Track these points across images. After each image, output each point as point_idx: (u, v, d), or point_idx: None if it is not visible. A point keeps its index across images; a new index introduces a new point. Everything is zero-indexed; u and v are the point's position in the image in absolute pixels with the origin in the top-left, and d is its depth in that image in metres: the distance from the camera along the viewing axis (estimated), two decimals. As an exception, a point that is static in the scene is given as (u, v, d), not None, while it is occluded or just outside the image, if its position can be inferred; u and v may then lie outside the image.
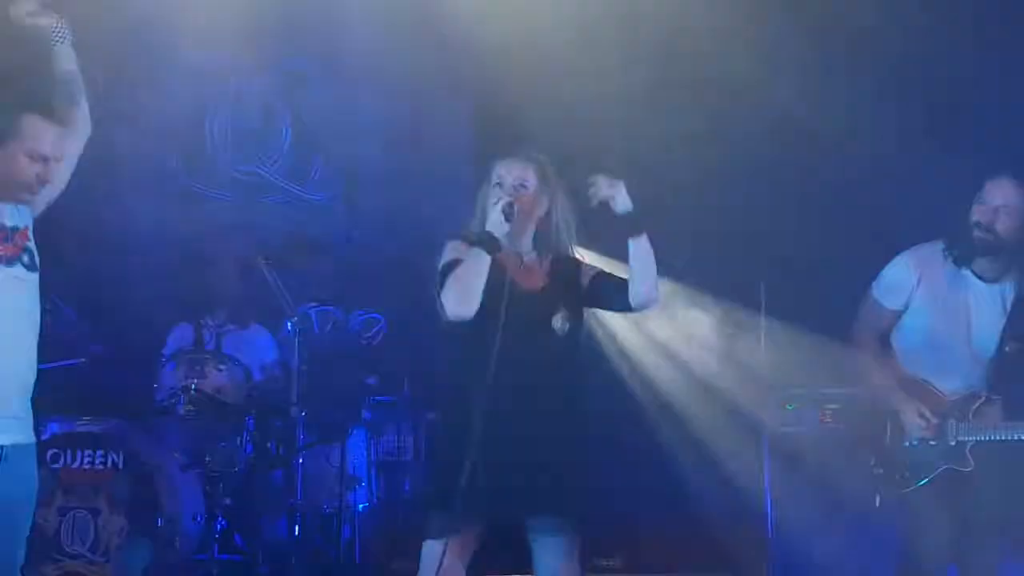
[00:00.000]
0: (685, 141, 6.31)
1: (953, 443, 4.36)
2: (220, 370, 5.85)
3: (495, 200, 3.80)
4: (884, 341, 4.57)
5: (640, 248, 3.80)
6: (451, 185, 6.46)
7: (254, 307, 6.32)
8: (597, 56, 6.33)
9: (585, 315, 3.95)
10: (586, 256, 4.04)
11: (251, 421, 5.78)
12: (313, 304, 6.47)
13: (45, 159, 3.25)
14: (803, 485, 5.33)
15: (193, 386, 5.73)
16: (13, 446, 3.31)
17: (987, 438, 4.32)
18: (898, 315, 4.53)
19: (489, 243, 3.71)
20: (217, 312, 6.35)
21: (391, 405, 6.27)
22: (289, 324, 6.00)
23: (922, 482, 4.38)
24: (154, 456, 5.58)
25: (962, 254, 4.42)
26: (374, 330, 6.68)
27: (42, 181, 3.26)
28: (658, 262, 3.84)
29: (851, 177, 6.17)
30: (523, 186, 3.86)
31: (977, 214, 4.38)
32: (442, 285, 3.72)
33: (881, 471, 4.46)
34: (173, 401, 5.72)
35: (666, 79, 6.36)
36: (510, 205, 3.76)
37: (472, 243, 3.75)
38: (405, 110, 7.25)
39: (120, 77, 6.71)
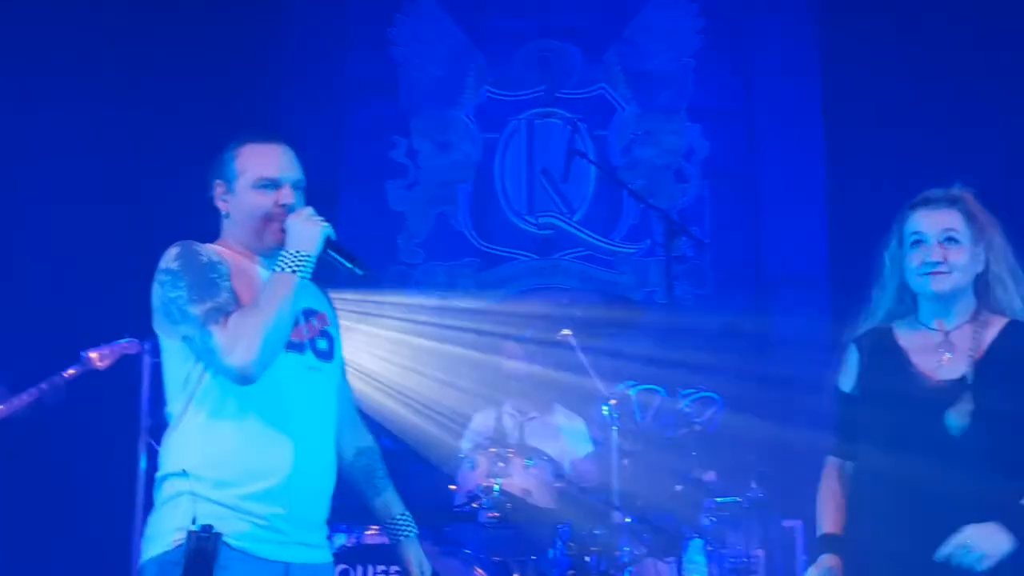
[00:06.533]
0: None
1: None
2: (527, 467, 5.22)
3: (917, 263, 3.11)
4: None
5: None
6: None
7: (555, 387, 5.76)
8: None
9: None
10: None
11: (566, 529, 5.13)
12: (631, 382, 5.78)
13: (275, 183, 3.04)
14: None
15: (497, 487, 5.08)
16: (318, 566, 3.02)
17: None
18: None
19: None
20: (517, 395, 5.82)
21: (736, 508, 5.46)
22: (604, 408, 5.27)
23: None
24: (455, 573, 4.96)
25: None
26: (709, 413, 5.91)
27: (282, 206, 3.01)
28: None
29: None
30: (952, 239, 3.13)
31: None
32: None
33: None
34: (474, 505, 5.10)
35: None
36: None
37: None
38: (735, 134, 6.68)
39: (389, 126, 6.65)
